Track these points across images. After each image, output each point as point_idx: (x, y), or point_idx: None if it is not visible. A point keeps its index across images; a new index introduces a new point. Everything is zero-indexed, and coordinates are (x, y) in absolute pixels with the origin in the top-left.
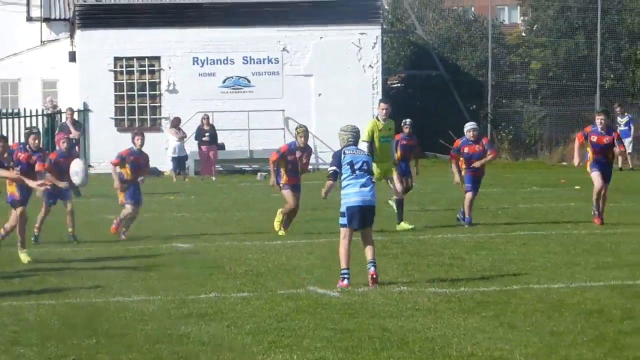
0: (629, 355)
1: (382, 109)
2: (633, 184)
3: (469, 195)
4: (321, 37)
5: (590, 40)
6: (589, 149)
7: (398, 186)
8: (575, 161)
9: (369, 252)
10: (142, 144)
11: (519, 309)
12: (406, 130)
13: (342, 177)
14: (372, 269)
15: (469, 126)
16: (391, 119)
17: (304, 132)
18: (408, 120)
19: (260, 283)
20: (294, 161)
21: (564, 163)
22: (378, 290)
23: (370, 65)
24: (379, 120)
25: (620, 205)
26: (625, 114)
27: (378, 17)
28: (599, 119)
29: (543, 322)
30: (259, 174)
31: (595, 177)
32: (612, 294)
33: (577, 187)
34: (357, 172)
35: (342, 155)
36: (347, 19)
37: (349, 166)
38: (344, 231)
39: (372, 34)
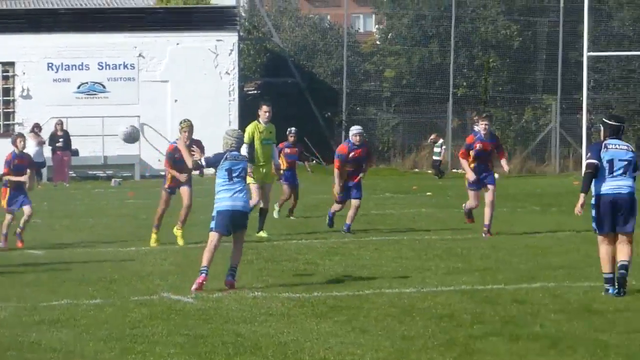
0: (479, 359)
1: (265, 112)
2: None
3: (355, 202)
4: (178, 44)
5: (444, 49)
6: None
7: (255, 196)
8: (471, 177)
9: (234, 257)
10: (24, 146)
11: (371, 314)
12: (291, 138)
13: (217, 182)
14: (230, 278)
15: (355, 130)
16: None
17: (188, 126)
18: (293, 129)
19: (114, 289)
20: (182, 160)
21: (416, 170)
22: (232, 296)
23: (226, 72)
24: (260, 122)
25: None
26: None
27: (235, 24)
28: (483, 124)
29: (394, 326)
30: (113, 180)
31: (472, 196)
32: (463, 299)
33: (428, 194)
34: (235, 179)
35: (223, 160)
36: (203, 25)
37: (226, 172)
38: (212, 235)
39: (228, 40)
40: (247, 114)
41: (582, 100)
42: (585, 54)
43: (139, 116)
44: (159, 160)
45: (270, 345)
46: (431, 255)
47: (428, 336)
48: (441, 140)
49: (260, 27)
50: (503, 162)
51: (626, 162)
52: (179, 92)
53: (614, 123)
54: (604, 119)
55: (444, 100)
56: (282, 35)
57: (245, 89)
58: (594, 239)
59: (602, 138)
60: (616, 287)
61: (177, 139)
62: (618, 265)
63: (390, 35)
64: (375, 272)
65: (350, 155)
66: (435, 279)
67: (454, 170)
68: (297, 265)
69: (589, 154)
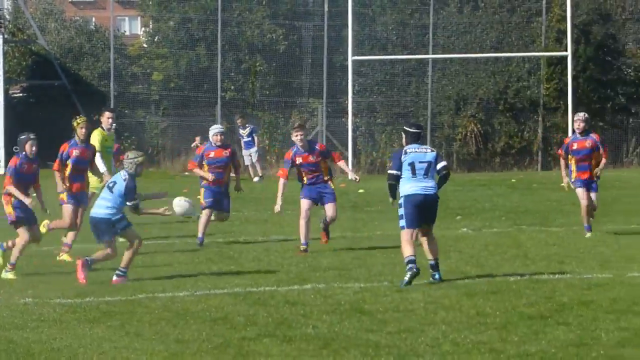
0: None
1: (109, 118)
2: (252, 193)
3: (207, 211)
4: None
5: (211, 52)
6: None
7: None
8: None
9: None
10: None
11: (144, 318)
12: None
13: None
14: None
15: (216, 129)
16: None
17: (84, 121)
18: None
19: None
20: (79, 159)
21: (186, 173)
22: (2, 303)
23: None
24: (104, 130)
25: (242, 214)
26: (247, 125)
27: None
28: (297, 136)
29: (168, 330)
30: None
31: (304, 203)
32: (236, 301)
33: (198, 197)
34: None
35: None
36: None
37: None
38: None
39: None
40: (12, 118)
41: (347, 104)
42: (350, 58)
43: None
44: None
45: (43, 352)
46: (203, 258)
47: (202, 339)
48: None
49: (25, 29)
50: (347, 170)
51: (427, 164)
52: None
53: (414, 130)
54: (405, 127)
55: (213, 104)
56: (47, 37)
57: (10, 92)
58: (362, 240)
59: (404, 144)
60: (434, 273)
61: (73, 139)
62: (430, 263)
63: (157, 38)
64: (148, 276)
65: (211, 155)
66: (208, 282)
67: None
68: (68, 271)
69: (390, 163)
